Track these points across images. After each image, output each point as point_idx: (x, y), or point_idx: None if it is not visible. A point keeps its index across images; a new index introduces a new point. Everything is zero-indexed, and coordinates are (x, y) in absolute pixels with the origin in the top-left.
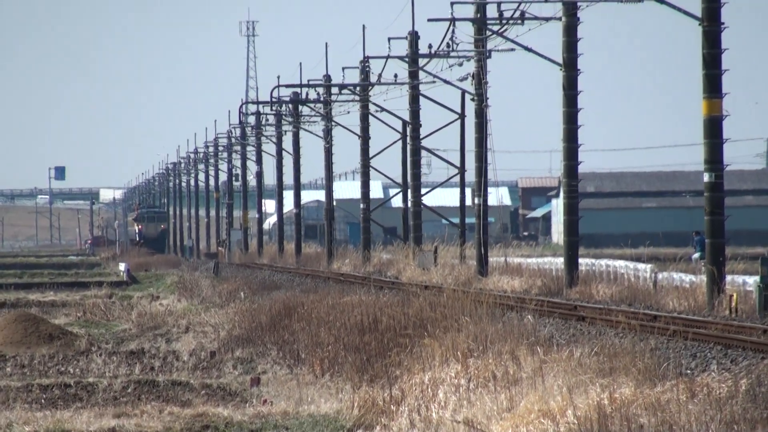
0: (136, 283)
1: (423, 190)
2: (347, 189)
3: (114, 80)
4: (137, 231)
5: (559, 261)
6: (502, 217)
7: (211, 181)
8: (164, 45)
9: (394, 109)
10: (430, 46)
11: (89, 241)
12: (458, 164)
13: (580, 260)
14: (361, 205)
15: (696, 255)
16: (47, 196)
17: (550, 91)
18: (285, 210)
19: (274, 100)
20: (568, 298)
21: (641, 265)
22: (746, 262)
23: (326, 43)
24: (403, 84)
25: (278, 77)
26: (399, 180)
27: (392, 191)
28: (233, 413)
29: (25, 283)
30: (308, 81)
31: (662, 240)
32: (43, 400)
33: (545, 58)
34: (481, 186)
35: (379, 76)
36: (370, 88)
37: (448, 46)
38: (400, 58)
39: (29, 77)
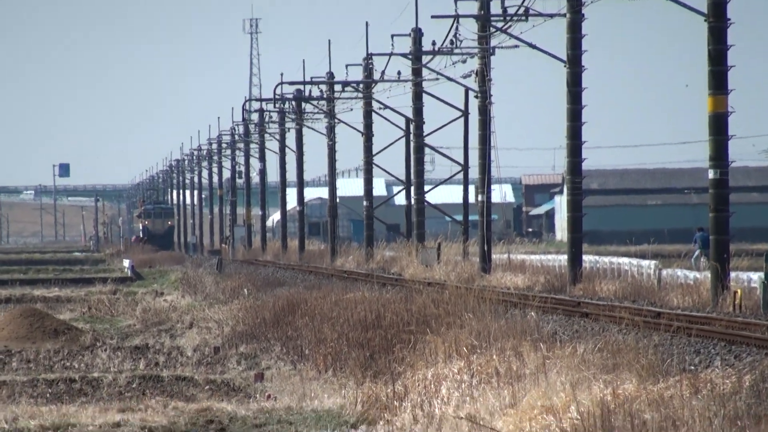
0: (141, 280)
1: (426, 188)
2: (350, 186)
3: (118, 78)
4: (142, 227)
5: (563, 258)
6: (506, 214)
7: (215, 179)
8: (168, 43)
9: (398, 106)
10: (433, 43)
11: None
12: (461, 161)
13: (584, 257)
14: (364, 203)
15: (696, 253)
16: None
17: (554, 88)
18: (288, 207)
19: (277, 97)
20: (572, 295)
21: (645, 262)
22: (751, 258)
23: (329, 41)
24: (406, 81)
25: (281, 74)
26: (402, 177)
27: (395, 188)
28: (237, 408)
29: (30, 279)
30: (311, 78)
31: (667, 237)
32: (48, 395)
33: (549, 54)
34: (485, 183)
35: (383, 73)
36: (374, 85)
37: (451, 43)
38: (404, 55)
39: (33, 75)
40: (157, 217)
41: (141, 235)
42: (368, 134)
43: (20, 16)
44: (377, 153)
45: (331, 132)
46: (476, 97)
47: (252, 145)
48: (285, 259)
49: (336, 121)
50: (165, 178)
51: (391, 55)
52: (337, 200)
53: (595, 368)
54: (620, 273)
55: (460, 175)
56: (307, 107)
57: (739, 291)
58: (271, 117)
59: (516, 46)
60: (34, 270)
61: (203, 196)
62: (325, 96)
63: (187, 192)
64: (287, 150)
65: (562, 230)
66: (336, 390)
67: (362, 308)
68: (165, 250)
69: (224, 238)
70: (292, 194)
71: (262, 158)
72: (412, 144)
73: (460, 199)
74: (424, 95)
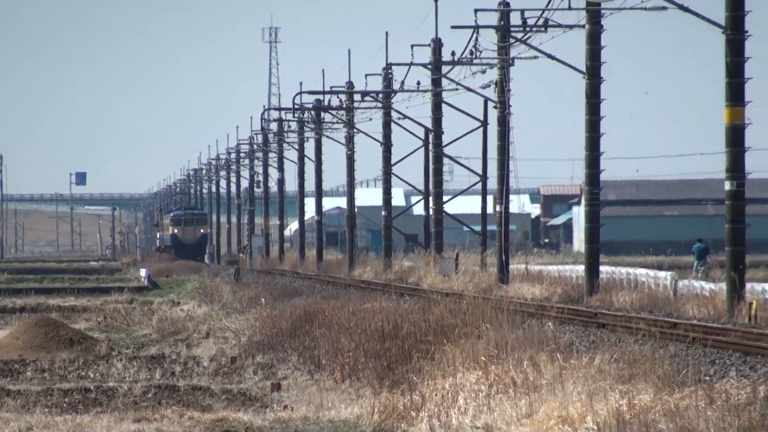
0: (157, 289)
1: (445, 198)
2: (369, 196)
3: (136, 87)
4: (170, 235)
5: (580, 268)
6: (524, 224)
7: (233, 188)
8: (187, 51)
9: (417, 116)
10: (453, 54)
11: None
12: (480, 172)
13: (601, 268)
14: (383, 213)
15: (695, 264)
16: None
17: (573, 98)
18: (306, 217)
19: (296, 106)
20: (589, 306)
21: (661, 273)
22: (766, 270)
23: (349, 50)
24: (425, 91)
25: (300, 84)
26: (421, 187)
27: (414, 198)
28: (254, 418)
29: (45, 288)
30: (331, 88)
31: (683, 248)
32: (63, 405)
33: (568, 65)
34: (503, 193)
35: (402, 83)
36: (393, 95)
37: (471, 53)
38: (423, 65)
39: (51, 84)
40: (188, 225)
41: (159, 244)
42: (387, 144)
43: (39, 25)
44: (396, 163)
45: (349, 142)
46: (495, 107)
47: (270, 155)
48: (303, 268)
49: (355, 130)
50: (183, 187)
51: (410, 65)
52: (356, 210)
53: (612, 379)
54: (637, 284)
55: (479, 186)
56: (326, 117)
57: (754, 302)
58: (290, 126)
59: (535, 57)
60: (50, 279)
61: (221, 205)
62: (344, 105)
63: (205, 201)
64: (306, 159)
65: (579, 241)
66: (353, 400)
67: (380, 318)
68: (195, 261)
69: (242, 247)
70: (310, 204)
71: (281, 168)
72: (430, 154)
73: (478, 210)
74: (443, 105)
